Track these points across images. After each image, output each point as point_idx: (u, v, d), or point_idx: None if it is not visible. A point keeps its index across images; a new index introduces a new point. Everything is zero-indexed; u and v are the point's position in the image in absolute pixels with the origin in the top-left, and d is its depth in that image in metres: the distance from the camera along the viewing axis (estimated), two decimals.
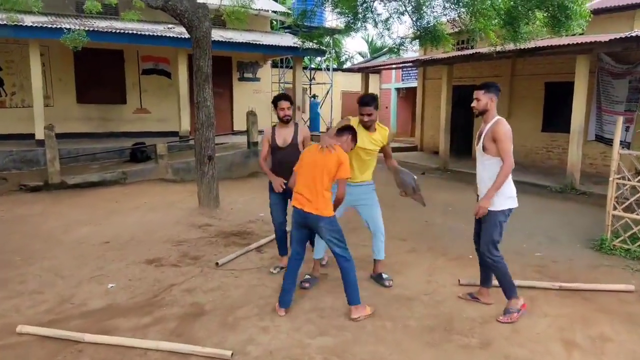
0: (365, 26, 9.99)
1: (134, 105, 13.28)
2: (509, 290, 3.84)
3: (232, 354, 3.19)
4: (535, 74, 12.24)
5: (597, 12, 9.57)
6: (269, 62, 15.81)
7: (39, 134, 9.99)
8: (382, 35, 11.01)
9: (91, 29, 10.19)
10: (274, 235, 5.84)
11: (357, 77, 17.70)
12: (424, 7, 8.89)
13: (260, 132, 10.24)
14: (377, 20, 9.74)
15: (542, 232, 6.49)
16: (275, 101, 4.62)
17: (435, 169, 12.41)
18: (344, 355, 3.29)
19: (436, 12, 9.04)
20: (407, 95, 20.41)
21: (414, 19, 9.27)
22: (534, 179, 10.33)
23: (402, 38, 10.41)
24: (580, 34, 8.42)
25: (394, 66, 16.28)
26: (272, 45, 13.03)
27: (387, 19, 9.69)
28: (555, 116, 11.86)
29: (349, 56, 29.02)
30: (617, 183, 5.65)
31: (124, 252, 5.37)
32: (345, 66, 25.27)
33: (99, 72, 12.57)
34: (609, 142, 10.49)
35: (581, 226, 6.76)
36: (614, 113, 10.30)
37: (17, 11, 8.71)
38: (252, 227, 6.44)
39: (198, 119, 7.26)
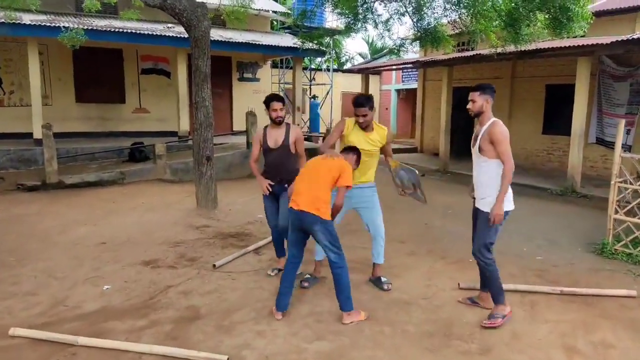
0: (365, 27, 9.95)
1: (133, 105, 13.22)
2: (497, 295, 3.78)
3: (227, 358, 3.13)
4: (536, 76, 12.20)
5: (598, 14, 9.52)
6: (269, 62, 15.76)
7: (37, 133, 9.94)
8: (383, 36, 10.93)
9: (90, 27, 10.14)
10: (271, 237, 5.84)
11: (357, 78, 17.65)
12: (424, 8, 8.84)
13: None
14: (377, 21, 9.69)
15: (543, 235, 6.44)
16: (268, 102, 4.53)
17: (435, 170, 12.36)
18: None
19: (437, 13, 9.00)
20: (407, 97, 20.37)
21: (415, 20, 9.22)
22: (534, 181, 10.28)
23: (402, 39, 10.36)
24: (581, 36, 8.37)
25: (394, 67, 16.23)
26: (272, 45, 12.98)
27: (387, 20, 9.64)
28: (556, 118, 11.81)
29: (349, 57, 29.00)
30: (618, 186, 5.59)
31: (121, 253, 5.31)
32: (345, 67, 25.23)
33: (98, 71, 12.51)
34: (609, 145, 10.44)
35: (582, 229, 6.71)
36: (615, 116, 10.25)
37: (15, 9, 8.66)
38: (250, 229, 6.39)
39: (196, 119, 7.21)
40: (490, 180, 3.69)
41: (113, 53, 12.62)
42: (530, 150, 12.55)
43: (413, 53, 15.46)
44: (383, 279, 4.49)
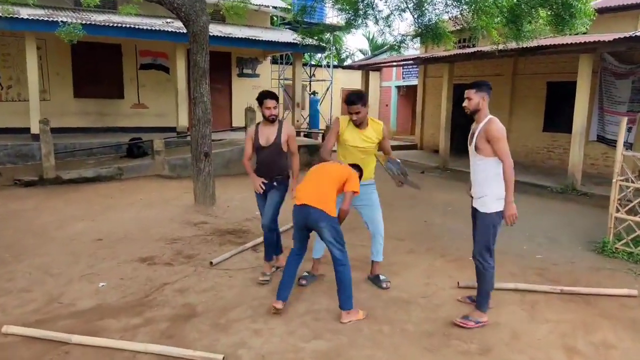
0: (366, 23, 9.91)
1: (132, 100, 13.15)
2: (482, 301, 3.72)
3: (223, 357, 3.08)
4: (538, 73, 12.13)
5: (601, 11, 9.46)
6: (269, 58, 15.68)
7: (35, 128, 9.87)
8: (383, 33, 10.95)
9: (88, 22, 10.06)
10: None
11: (358, 75, 17.57)
12: (425, 4, 8.78)
13: None
14: (378, 17, 9.64)
15: (543, 233, 6.39)
16: (261, 99, 4.38)
17: (435, 167, 12.31)
18: None
19: (438, 9, 8.95)
20: (407, 93, 20.29)
21: (416, 16, 9.16)
22: (534, 179, 10.23)
23: (403, 35, 10.31)
24: (583, 33, 8.32)
25: (394, 64, 16.16)
26: (271, 41, 12.91)
27: (388, 16, 9.59)
28: (557, 116, 11.76)
29: (349, 53, 28.91)
30: (620, 185, 5.54)
31: (117, 249, 5.26)
32: (345, 63, 25.14)
33: (97, 67, 12.45)
34: (610, 143, 10.40)
35: (582, 228, 6.67)
36: (616, 113, 10.20)
37: (13, 3, 8.60)
38: (248, 226, 6.33)
39: (195, 115, 7.15)
40: (487, 179, 3.62)
41: (112, 48, 12.54)
42: (531, 147, 12.50)
43: (414, 49, 15.38)
44: (382, 277, 4.44)
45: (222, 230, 6.08)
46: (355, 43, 51.31)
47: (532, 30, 7.37)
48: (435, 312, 3.92)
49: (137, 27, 10.81)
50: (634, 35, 8.00)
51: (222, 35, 11.85)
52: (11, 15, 9.11)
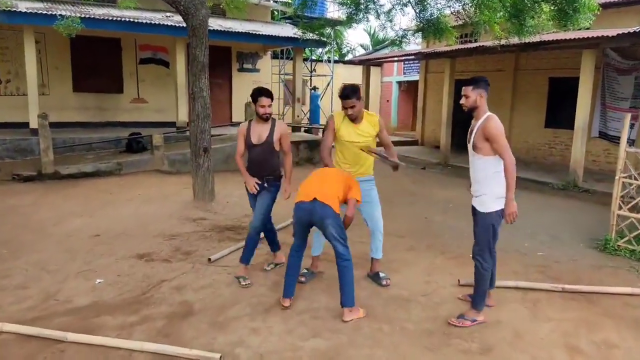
0: (367, 17, 9.80)
1: (131, 95, 13.06)
2: (478, 299, 3.66)
3: (220, 356, 3.04)
4: (540, 68, 12.04)
5: (604, 6, 9.35)
6: (269, 53, 15.58)
7: (33, 123, 9.80)
8: (385, 27, 10.74)
9: (87, 16, 9.98)
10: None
11: (359, 70, 17.47)
12: None
13: None
14: (379, 11, 9.54)
15: (544, 230, 6.34)
16: (256, 96, 4.23)
17: (436, 163, 12.24)
18: (337, 359, 3.15)
19: (440, 3, 8.86)
20: (408, 89, 20.19)
21: (417, 10, 9.07)
22: (535, 175, 10.18)
23: (404, 30, 10.22)
24: (586, 29, 8.22)
25: (395, 59, 16.06)
26: (272, 35, 12.80)
27: (389, 10, 9.50)
28: (559, 112, 11.68)
29: (350, 48, 28.77)
30: (622, 182, 5.48)
31: (114, 246, 5.21)
32: (346, 58, 25.01)
33: (96, 61, 12.34)
34: (612, 139, 10.33)
35: (584, 225, 6.61)
36: (619, 110, 10.13)
37: None
38: (247, 222, 6.24)
39: (194, 110, 7.08)
40: (486, 177, 3.55)
41: (111, 42, 12.44)
42: (532, 143, 12.43)
43: (415, 44, 15.26)
44: (381, 275, 4.40)
45: (221, 227, 6.03)
46: (356, 38, 51.15)
47: (535, 25, 7.27)
48: (436, 310, 3.88)
49: (136, 20, 10.72)
50: (638, 30, 7.91)
51: (222, 30, 11.77)
52: (9, 8, 9.04)
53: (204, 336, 3.37)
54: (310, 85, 17.63)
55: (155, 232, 5.70)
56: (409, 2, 9.04)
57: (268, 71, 15.57)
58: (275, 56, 16.55)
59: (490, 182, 3.54)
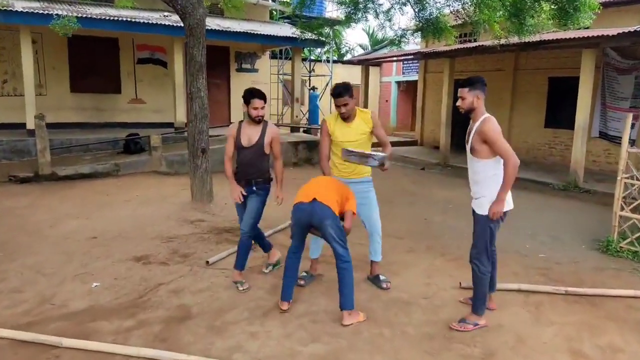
0: (366, 17, 9.75)
1: (129, 95, 12.99)
2: (479, 303, 3.59)
3: None
4: (539, 68, 11.99)
5: (604, 5, 9.30)
6: (268, 52, 15.52)
7: (30, 124, 9.74)
8: (383, 27, 10.64)
9: (84, 15, 9.90)
10: (267, 232, 5.68)
11: (358, 70, 17.41)
12: None
13: None
14: (378, 10, 9.49)
15: (545, 231, 6.29)
16: (248, 98, 4.06)
17: (435, 164, 12.20)
18: None
19: (439, 2, 8.81)
20: (407, 89, 20.14)
21: (416, 10, 9.02)
22: (535, 175, 10.14)
23: (403, 30, 10.16)
24: (586, 28, 8.18)
25: (394, 59, 16.00)
26: (270, 35, 12.74)
27: (388, 10, 9.45)
28: (559, 112, 11.64)
29: (349, 48, 28.72)
30: (624, 182, 5.43)
31: (111, 248, 5.15)
32: (345, 58, 24.96)
33: (94, 61, 12.27)
34: (612, 139, 10.29)
35: (585, 226, 6.57)
36: (619, 109, 10.09)
37: None
38: None
39: (191, 111, 7.02)
40: (485, 180, 3.48)
41: (109, 42, 12.37)
42: (532, 143, 12.39)
43: (414, 44, 15.21)
44: (382, 278, 4.34)
45: (219, 229, 5.97)
46: (355, 38, 51.09)
47: (535, 25, 7.22)
48: (437, 313, 3.82)
49: (133, 20, 10.65)
50: (638, 29, 7.87)
51: (220, 29, 11.70)
52: (5, 7, 8.97)
53: (201, 341, 3.31)
54: (309, 86, 17.58)
55: (152, 234, 5.63)
56: (408, 1, 8.99)
57: (266, 71, 15.51)
58: (273, 56, 16.49)
59: (489, 185, 3.48)
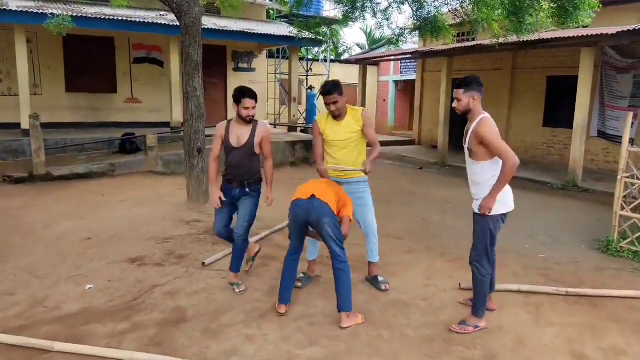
0: (363, 16, 9.71)
1: (125, 95, 12.90)
2: (479, 305, 3.53)
3: None
4: (538, 67, 11.97)
5: (604, 4, 9.26)
6: (265, 52, 15.45)
7: (25, 124, 9.64)
8: (381, 26, 10.58)
9: (79, 15, 9.82)
10: (264, 233, 5.62)
11: (355, 69, 17.37)
12: None
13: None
14: (376, 10, 9.44)
15: (545, 231, 6.24)
16: (239, 97, 3.89)
17: (433, 163, 12.15)
18: None
19: (437, 1, 8.76)
20: (405, 88, 20.09)
21: (414, 8, 8.98)
22: (534, 175, 10.10)
23: (401, 29, 10.11)
24: (584, 27, 8.14)
25: (392, 58, 15.95)
26: (267, 34, 12.66)
27: (386, 9, 9.40)
28: (557, 111, 11.61)
29: (346, 47, 28.69)
30: (625, 182, 5.39)
31: (106, 249, 5.08)
32: (342, 57, 24.91)
33: (89, 60, 12.17)
34: (611, 139, 10.27)
35: (585, 225, 6.52)
36: (618, 109, 10.07)
37: None
38: None
39: (187, 110, 6.94)
40: (485, 181, 3.42)
41: (104, 41, 12.28)
42: (530, 143, 12.36)
43: (412, 43, 15.18)
44: (380, 279, 4.28)
45: None
46: (352, 37, 51.07)
47: (534, 23, 7.17)
48: (436, 315, 3.77)
49: (129, 19, 10.56)
50: (638, 28, 7.83)
51: (217, 28, 11.61)
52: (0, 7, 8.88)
53: (196, 345, 3.25)
54: (307, 85, 17.52)
55: (148, 235, 5.56)
56: (406, 0, 8.94)
57: (264, 70, 15.45)
58: (271, 55, 16.43)
59: (489, 186, 3.41)
